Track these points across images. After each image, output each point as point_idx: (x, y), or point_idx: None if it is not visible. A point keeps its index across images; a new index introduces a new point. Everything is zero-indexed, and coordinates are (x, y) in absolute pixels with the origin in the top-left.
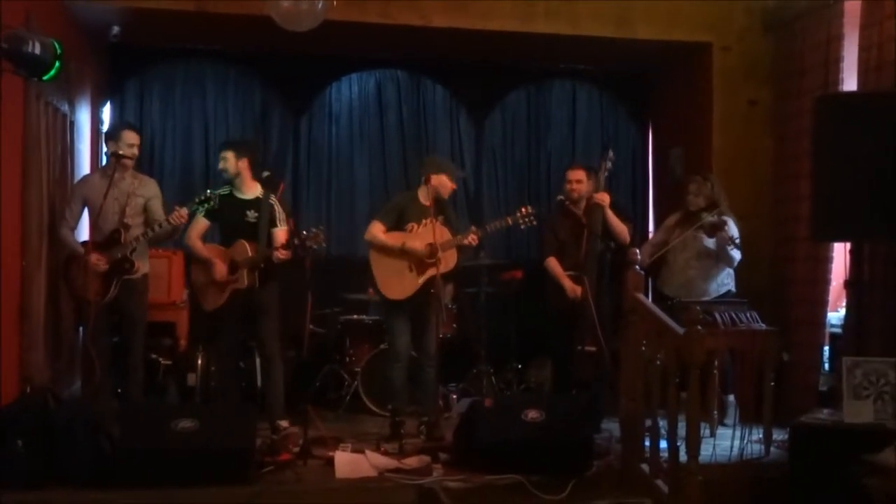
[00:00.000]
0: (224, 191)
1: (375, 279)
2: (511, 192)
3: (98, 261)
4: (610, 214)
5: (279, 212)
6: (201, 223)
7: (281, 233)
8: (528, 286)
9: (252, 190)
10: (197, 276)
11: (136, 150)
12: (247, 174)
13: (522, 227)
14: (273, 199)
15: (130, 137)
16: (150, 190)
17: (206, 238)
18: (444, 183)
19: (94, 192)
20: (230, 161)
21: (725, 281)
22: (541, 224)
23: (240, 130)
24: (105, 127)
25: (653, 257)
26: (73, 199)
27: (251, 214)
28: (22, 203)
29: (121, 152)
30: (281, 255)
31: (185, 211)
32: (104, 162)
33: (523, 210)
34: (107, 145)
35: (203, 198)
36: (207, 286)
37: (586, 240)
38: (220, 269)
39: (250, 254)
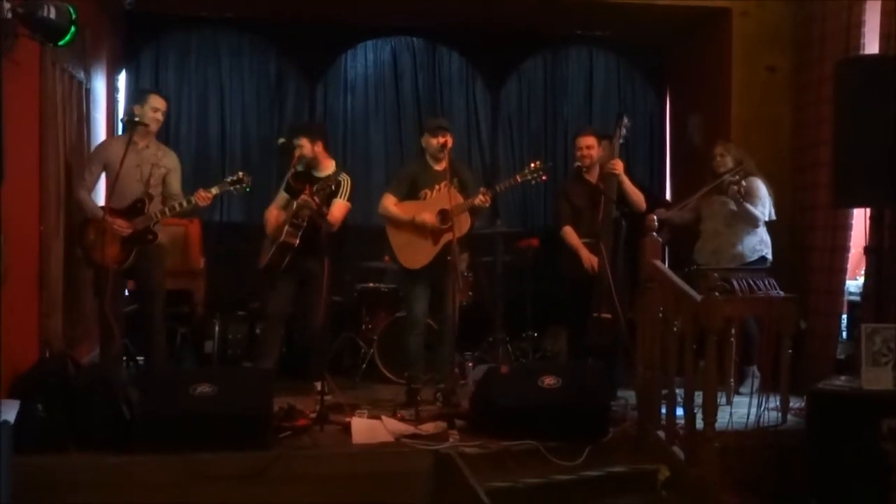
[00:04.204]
0: (301, 167)
1: (393, 250)
2: (527, 159)
3: (122, 226)
4: (626, 181)
5: (345, 188)
6: (281, 196)
7: (338, 205)
8: (544, 254)
9: (327, 169)
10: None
11: (160, 116)
12: (322, 155)
13: (533, 182)
14: (342, 176)
15: (156, 102)
16: (170, 161)
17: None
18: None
19: (114, 157)
20: (306, 147)
21: (758, 247)
22: (555, 193)
23: (255, 98)
24: (121, 95)
25: (678, 213)
26: (93, 161)
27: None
28: (40, 170)
29: (142, 120)
30: (204, 195)
31: (210, 193)
32: (119, 129)
33: (532, 165)
34: (132, 110)
35: (234, 178)
36: (265, 245)
37: (603, 206)
38: (272, 221)
39: (294, 207)
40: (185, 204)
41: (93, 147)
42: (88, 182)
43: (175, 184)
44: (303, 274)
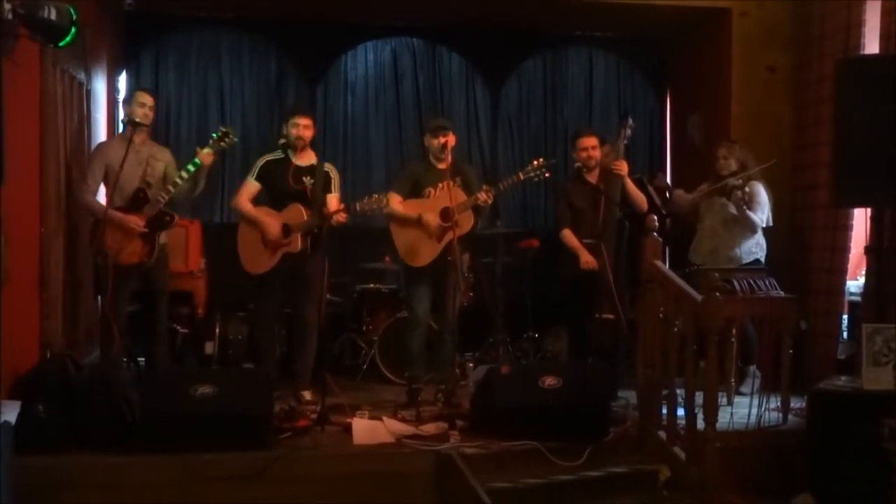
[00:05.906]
0: (277, 155)
1: (397, 249)
2: (527, 160)
3: (136, 223)
4: (628, 183)
5: (334, 178)
6: (252, 186)
7: (334, 199)
8: (544, 255)
9: (309, 157)
10: (246, 238)
11: (148, 112)
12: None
13: (536, 179)
14: (328, 167)
15: (143, 98)
16: (167, 156)
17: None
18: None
19: (114, 157)
20: (312, 129)
21: (753, 249)
22: (555, 193)
23: (255, 99)
24: (121, 95)
25: (681, 204)
26: (94, 164)
27: (307, 181)
28: (40, 171)
29: (137, 119)
30: (341, 218)
31: (210, 151)
32: (121, 131)
33: (535, 163)
34: (124, 111)
35: (222, 132)
36: (257, 249)
37: (604, 207)
38: (274, 229)
39: (305, 218)
40: (185, 175)
41: (92, 148)
42: (91, 185)
43: (173, 176)
44: (296, 271)
